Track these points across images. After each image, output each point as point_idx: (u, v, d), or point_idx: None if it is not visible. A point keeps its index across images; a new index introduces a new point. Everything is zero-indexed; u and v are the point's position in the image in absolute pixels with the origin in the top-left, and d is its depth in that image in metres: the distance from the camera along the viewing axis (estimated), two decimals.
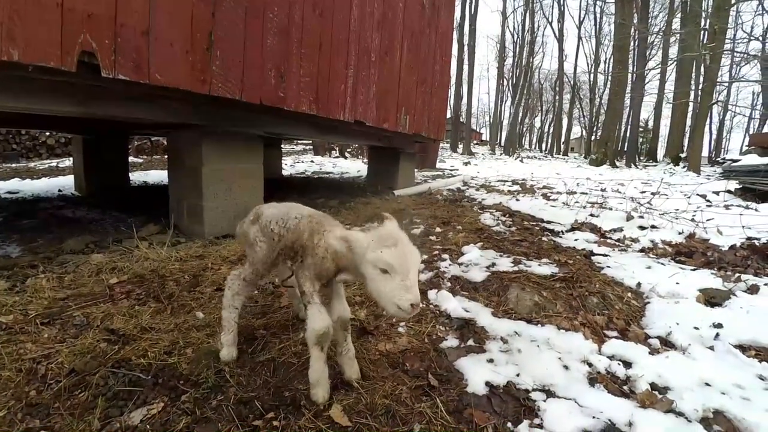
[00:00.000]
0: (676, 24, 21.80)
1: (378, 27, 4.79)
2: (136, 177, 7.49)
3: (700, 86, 19.03)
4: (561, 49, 32.81)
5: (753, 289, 2.32)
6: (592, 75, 36.13)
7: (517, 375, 1.57)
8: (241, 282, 1.63)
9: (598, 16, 34.18)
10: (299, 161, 12.79)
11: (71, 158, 8.68)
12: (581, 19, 38.20)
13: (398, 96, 5.48)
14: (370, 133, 5.62)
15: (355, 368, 1.52)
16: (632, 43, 20.60)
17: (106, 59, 2.39)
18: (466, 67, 27.39)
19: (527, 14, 31.75)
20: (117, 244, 3.02)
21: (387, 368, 1.60)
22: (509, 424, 1.32)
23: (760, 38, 22.87)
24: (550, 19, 36.72)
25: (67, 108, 2.62)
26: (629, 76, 19.83)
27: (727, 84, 26.82)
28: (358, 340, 1.78)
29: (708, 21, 15.10)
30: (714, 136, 36.73)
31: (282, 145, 9.35)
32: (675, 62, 20.30)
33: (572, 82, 38.40)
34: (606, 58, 37.06)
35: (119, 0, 2.41)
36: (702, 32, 17.28)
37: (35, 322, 1.86)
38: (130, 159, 10.42)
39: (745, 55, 21.91)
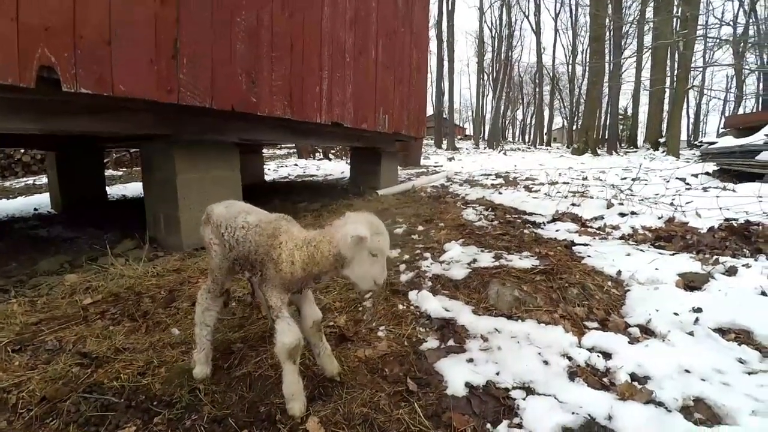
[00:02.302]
0: (650, 13, 22.15)
1: (351, 26, 4.75)
2: (115, 191, 7.33)
3: (676, 72, 19.40)
4: (539, 42, 33.16)
5: (731, 271, 2.34)
6: (570, 66, 36.55)
7: (497, 374, 1.55)
8: (207, 295, 1.58)
9: (573, 7, 34.69)
10: (282, 165, 12.65)
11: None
12: (557, 11, 38.74)
13: (375, 96, 5.45)
14: (349, 135, 5.58)
15: (335, 363, 1.54)
16: (607, 33, 20.84)
17: (66, 73, 2.32)
18: (446, 64, 27.43)
19: (504, 9, 32.03)
20: (91, 263, 2.94)
21: (366, 375, 1.57)
22: (488, 426, 1.31)
23: (731, 23, 23.40)
24: (526, 13, 37.14)
25: (28, 125, 2.54)
26: (606, 65, 20.08)
27: (701, 69, 27.41)
28: (338, 348, 1.75)
29: (680, 8, 15.36)
30: (691, 120, 37.61)
31: (264, 150, 9.25)
32: (650, 50, 20.66)
33: (551, 74, 38.83)
34: (583, 49, 37.46)
35: (77, 11, 2.34)
36: (674, 20, 17.61)
37: (6, 349, 1.80)
38: (110, 172, 10.23)
39: (718, 40, 22.44)
